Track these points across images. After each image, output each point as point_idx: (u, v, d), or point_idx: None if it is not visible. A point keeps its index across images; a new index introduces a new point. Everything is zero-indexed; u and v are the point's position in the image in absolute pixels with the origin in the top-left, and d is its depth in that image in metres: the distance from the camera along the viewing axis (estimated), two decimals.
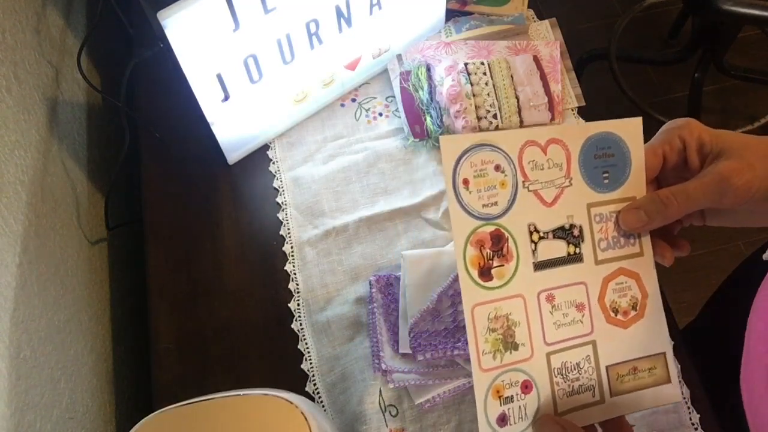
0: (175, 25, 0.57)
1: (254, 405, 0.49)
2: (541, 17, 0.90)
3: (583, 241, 0.49)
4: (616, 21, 1.81)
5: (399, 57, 0.85)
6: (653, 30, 1.90)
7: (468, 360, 0.64)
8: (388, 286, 0.71)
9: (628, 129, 0.50)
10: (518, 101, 0.80)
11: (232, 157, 0.80)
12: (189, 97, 0.66)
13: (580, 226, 0.49)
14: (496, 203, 0.47)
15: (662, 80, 1.82)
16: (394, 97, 0.85)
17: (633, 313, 0.50)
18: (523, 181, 0.48)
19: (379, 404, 0.66)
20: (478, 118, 0.79)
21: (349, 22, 0.73)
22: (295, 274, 0.74)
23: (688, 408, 0.66)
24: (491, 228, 0.47)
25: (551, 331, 0.48)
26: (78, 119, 0.80)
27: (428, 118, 0.80)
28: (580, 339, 0.49)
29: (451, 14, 0.88)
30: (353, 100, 0.85)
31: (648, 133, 0.51)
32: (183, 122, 0.80)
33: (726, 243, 1.60)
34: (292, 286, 0.74)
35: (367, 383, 0.67)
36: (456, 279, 0.63)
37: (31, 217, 0.62)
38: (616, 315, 0.49)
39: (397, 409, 0.66)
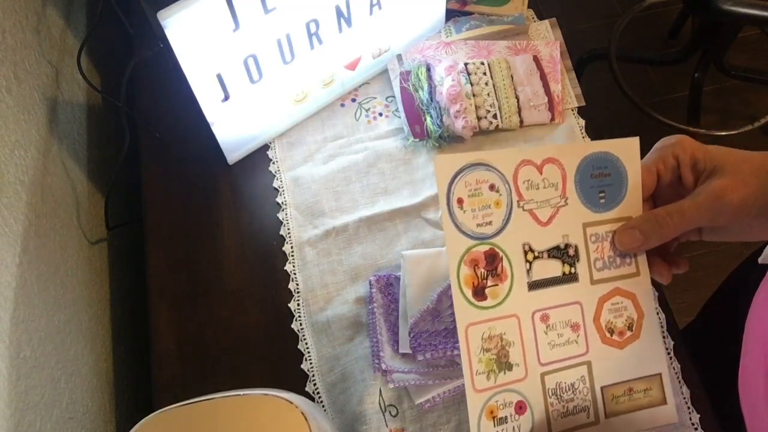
0: (175, 25, 0.57)
1: (254, 405, 0.49)
2: (541, 17, 0.90)
3: (578, 261, 0.49)
4: (616, 21, 1.81)
5: (399, 57, 0.85)
6: (653, 30, 1.90)
7: None
8: (388, 286, 0.71)
9: (625, 148, 0.50)
10: (518, 101, 0.80)
11: (232, 157, 0.80)
12: (189, 97, 0.66)
13: (576, 246, 0.49)
14: (490, 223, 0.47)
15: (662, 80, 1.82)
16: (394, 97, 0.85)
17: (629, 333, 0.50)
18: (518, 201, 0.48)
19: (379, 404, 0.66)
20: (478, 118, 0.79)
21: (349, 22, 0.73)
22: (295, 274, 0.74)
23: (688, 408, 0.66)
24: (485, 247, 0.47)
25: (546, 351, 0.48)
26: (78, 119, 0.80)
27: (428, 118, 0.80)
28: (575, 359, 0.48)
29: (451, 14, 0.88)
30: (353, 100, 0.85)
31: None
32: (183, 122, 0.80)
33: (726, 243, 1.60)
34: (292, 286, 0.74)
35: (367, 383, 0.67)
36: None
37: (31, 217, 0.62)
38: (611, 335, 0.49)
39: (397, 409, 0.66)
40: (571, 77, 0.85)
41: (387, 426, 0.65)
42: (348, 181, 0.79)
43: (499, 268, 0.47)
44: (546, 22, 0.89)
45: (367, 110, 0.84)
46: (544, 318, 0.48)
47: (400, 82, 0.82)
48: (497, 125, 0.80)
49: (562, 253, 0.48)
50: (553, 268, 0.48)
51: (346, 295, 0.72)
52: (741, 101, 1.79)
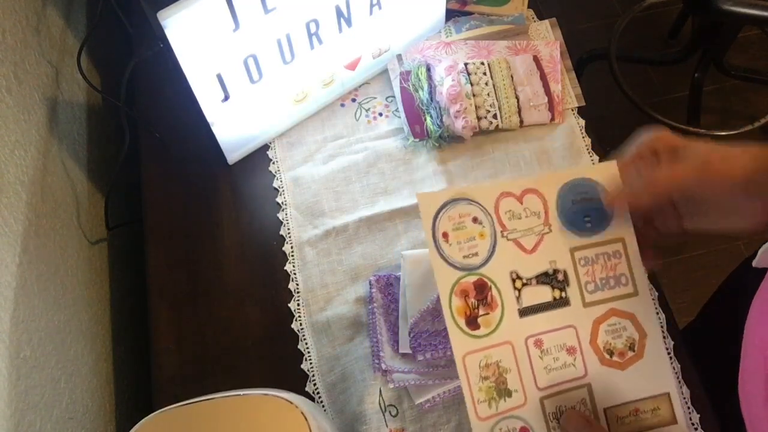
0: (175, 25, 0.57)
1: (254, 405, 0.49)
2: (541, 17, 0.90)
3: (568, 285, 0.49)
4: (616, 21, 1.81)
5: (399, 57, 0.85)
6: (653, 30, 1.90)
7: None
8: (388, 286, 0.71)
9: (604, 173, 0.50)
10: (518, 101, 0.80)
11: (232, 157, 0.80)
12: (189, 97, 0.66)
13: (565, 271, 0.49)
14: (476, 254, 0.48)
15: (662, 80, 1.82)
16: (394, 97, 0.85)
17: (630, 353, 0.50)
18: (502, 231, 0.49)
19: (379, 404, 0.66)
20: (478, 118, 0.79)
21: (349, 22, 0.73)
22: (295, 274, 0.74)
23: (688, 408, 0.66)
24: (474, 278, 0.48)
25: (542, 376, 0.48)
26: (78, 119, 0.80)
27: (428, 118, 0.80)
28: (574, 383, 0.49)
29: (451, 14, 0.88)
30: (353, 100, 0.85)
31: None
32: (183, 122, 0.80)
33: (726, 243, 1.60)
34: (292, 286, 0.74)
35: (367, 383, 0.67)
36: None
37: (31, 217, 0.62)
38: (611, 357, 0.49)
39: (397, 409, 0.66)
40: (571, 77, 0.85)
41: (387, 426, 0.65)
42: (348, 181, 0.79)
43: (489, 297, 0.48)
44: (546, 22, 0.89)
45: (367, 110, 0.84)
46: (538, 343, 0.48)
47: (400, 82, 0.82)
48: (497, 125, 0.80)
49: (550, 278, 0.49)
50: (543, 293, 0.49)
51: (346, 295, 0.72)
52: (741, 101, 1.79)
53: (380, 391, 0.67)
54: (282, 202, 0.78)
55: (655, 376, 0.50)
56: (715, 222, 0.48)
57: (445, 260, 0.48)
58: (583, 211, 0.50)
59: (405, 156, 0.80)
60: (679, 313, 0.72)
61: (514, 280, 0.49)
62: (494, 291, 0.48)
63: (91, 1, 0.89)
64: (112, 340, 0.77)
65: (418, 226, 0.76)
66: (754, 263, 0.54)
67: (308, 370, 0.69)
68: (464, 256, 0.48)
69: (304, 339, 0.71)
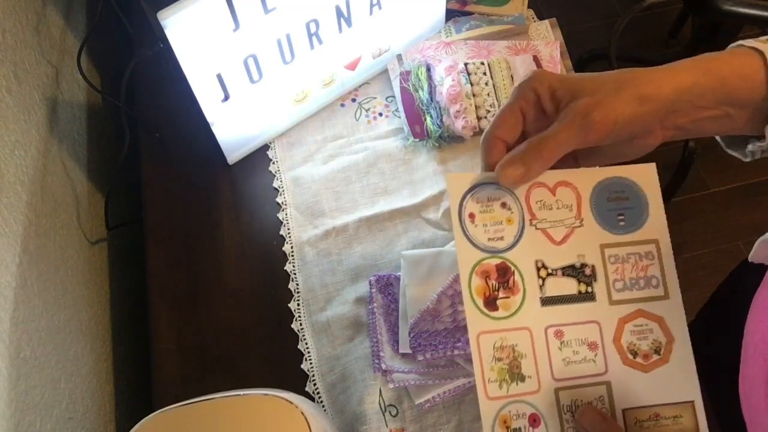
0: (175, 25, 0.57)
1: (254, 405, 0.49)
2: (541, 17, 0.90)
3: (595, 281, 0.49)
4: (616, 21, 1.81)
5: (399, 57, 0.85)
6: (653, 30, 1.90)
7: (468, 360, 0.64)
8: (388, 286, 0.71)
9: (642, 174, 0.50)
10: None
11: (232, 157, 0.80)
12: (189, 97, 0.66)
13: (593, 266, 0.49)
14: (502, 238, 0.48)
15: None
16: (394, 97, 0.85)
17: (655, 357, 0.48)
18: (531, 219, 0.48)
19: (379, 404, 0.66)
20: (478, 118, 0.79)
21: (349, 22, 0.73)
22: (295, 274, 0.74)
23: None
24: (497, 261, 0.47)
25: (560, 367, 0.47)
26: (78, 119, 0.80)
27: (428, 118, 0.80)
28: (593, 378, 0.48)
29: (451, 14, 0.88)
30: (353, 100, 0.85)
31: None
32: (183, 122, 0.80)
33: (726, 243, 1.60)
34: (292, 286, 0.74)
35: (367, 383, 0.67)
36: (456, 279, 0.63)
37: (31, 217, 0.62)
38: (634, 357, 0.48)
39: (397, 409, 0.66)
40: None
41: (387, 426, 0.65)
42: (348, 181, 0.79)
43: (511, 282, 0.47)
44: (546, 22, 0.88)
45: (367, 110, 0.84)
46: (558, 334, 0.48)
47: (400, 82, 0.82)
48: None
49: (577, 272, 0.48)
50: (569, 286, 0.48)
51: (346, 295, 0.72)
52: None
53: (380, 391, 0.67)
54: (282, 202, 0.78)
55: (679, 383, 0.48)
56: (611, 158, 0.49)
57: (469, 240, 0.47)
58: (617, 210, 0.49)
59: (405, 156, 0.80)
60: None
61: (538, 269, 0.48)
62: (517, 276, 0.47)
63: (91, 1, 0.89)
64: (112, 340, 0.77)
65: (418, 226, 0.76)
66: (750, 257, 0.53)
67: (308, 370, 0.69)
68: (489, 239, 0.47)
69: (304, 339, 0.71)
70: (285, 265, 0.75)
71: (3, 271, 0.55)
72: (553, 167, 0.48)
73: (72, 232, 0.72)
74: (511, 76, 0.81)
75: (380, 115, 0.84)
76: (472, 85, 0.80)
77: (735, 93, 0.44)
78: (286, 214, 0.77)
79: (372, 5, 0.74)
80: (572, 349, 0.48)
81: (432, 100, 0.80)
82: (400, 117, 0.82)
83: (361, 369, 0.68)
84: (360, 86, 0.86)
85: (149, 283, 0.74)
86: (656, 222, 0.49)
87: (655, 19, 1.91)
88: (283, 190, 0.79)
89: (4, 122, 0.60)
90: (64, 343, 0.64)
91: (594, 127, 0.44)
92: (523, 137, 0.49)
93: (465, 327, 0.46)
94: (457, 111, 0.78)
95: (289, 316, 0.72)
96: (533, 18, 0.90)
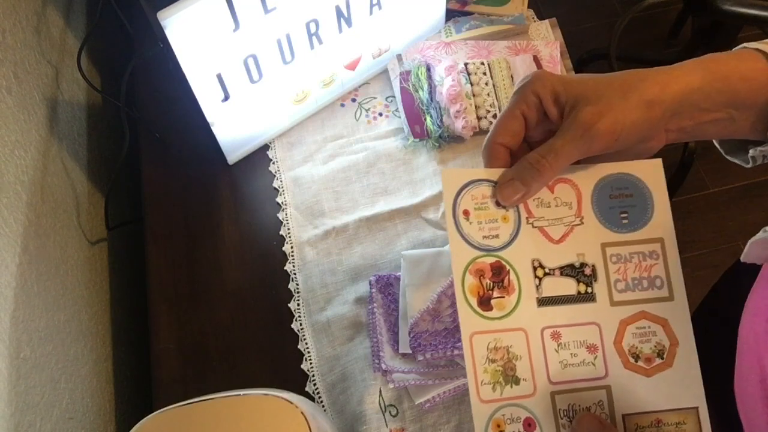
0: (175, 25, 0.57)
1: (254, 405, 0.49)
2: (541, 17, 0.90)
3: (596, 281, 0.47)
4: (616, 21, 1.81)
5: (399, 57, 0.85)
6: (653, 30, 1.90)
7: None
8: (388, 286, 0.71)
9: (647, 170, 0.48)
10: None
11: (232, 157, 0.80)
12: (189, 97, 0.66)
13: (593, 266, 0.47)
14: (497, 236, 0.46)
15: None
16: (394, 97, 0.85)
17: (658, 360, 0.47)
18: (527, 218, 0.47)
19: (379, 404, 0.66)
20: (478, 118, 0.79)
21: (349, 22, 0.73)
22: (295, 274, 0.74)
23: None
24: (491, 259, 0.46)
25: (557, 371, 0.46)
26: (78, 119, 0.80)
27: (428, 118, 0.80)
28: (592, 382, 0.46)
29: (451, 14, 0.88)
30: (353, 100, 0.85)
31: None
32: (183, 122, 0.80)
33: (726, 243, 1.60)
34: (292, 286, 0.74)
35: (367, 383, 0.67)
36: None
37: (31, 217, 0.62)
38: (636, 361, 0.46)
39: (397, 409, 0.66)
40: None
41: (387, 426, 0.65)
42: (348, 181, 0.79)
43: (506, 281, 0.46)
44: (546, 22, 0.88)
45: (367, 110, 0.84)
46: (555, 336, 0.46)
47: (400, 82, 0.82)
48: None
49: (576, 271, 0.47)
50: (567, 286, 0.47)
51: (346, 295, 0.72)
52: None
53: (380, 391, 0.67)
54: (282, 202, 0.78)
55: (683, 388, 0.47)
56: (622, 157, 0.48)
57: (463, 238, 0.46)
58: (620, 207, 0.48)
59: (405, 156, 0.80)
60: None
61: (535, 268, 0.46)
62: (512, 276, 0.46)
63: (91, 1, 0.89)
64: (112, 340, 0.77)
65: (418, 227, 0.76)
66: (742, 257, 0.53)
67: (308, 370, 0.69)
68: (484, 237, 0.46)
69: (304, 339, 0.71)
70: (285, 265, 0.75)
71: (3, 271, 0.55)
72: None
73: (72, 232, 0.72)
74: (511, 76, 0.81)
75: (380, 115, 0.84)
76: (472, 85, 0.80)
77: (739, 95, 0.44)
78: (286, 214, 0.77)
79: (372, 5, 0.74)
80: (570, 352, 0.46)
81: (432, 100, 0.80)
82: (400, 117, 0.82)
83: (361, 369, 0.68)
84: (360, 86, 0.86)
85: (149, 283, 0.74)
86: (662, 220, 0.48)
87: (655, 19, 1.91)
88: (283, 190, 0.79)
89: (4, 122, 0.60)
90: (64, 343, 0.64)
91: (599, 138, 0.43)
92: (526, 141, 0.48)
93: None
94: (457, 111, 0.78)
95: (289, 316, 0.72)
96: (533, 18, 0.90)
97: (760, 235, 0.51)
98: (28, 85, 0.66)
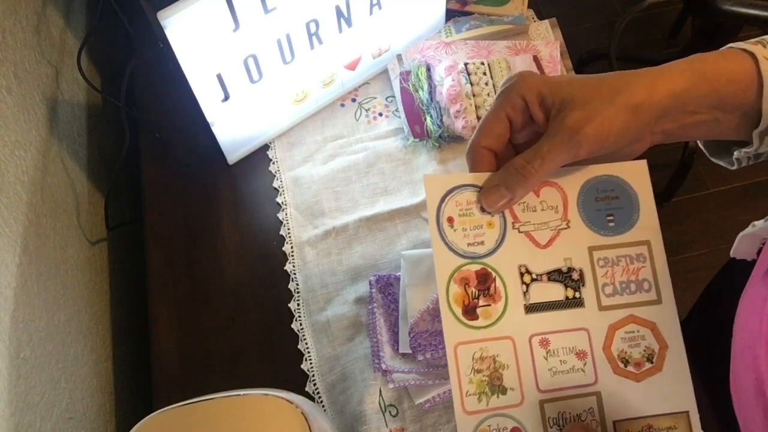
0: (175, 25, 0.57)
1: (254, 405, 0.49)
2: (541, 17, 0.90)
3: (584, 286, 0.46)
4: (616, 21, 1.81)
5: (399, 57, 0.85)
6: (653, 30, 1.90)
7: None
8: (388, 286, 0.71)
9: (632, 172, 0.47)
10: None
11: (232, 157, 0.80)
12: (189, 97, 0.66)
13: (581, 270, 0.46)
14: (482, 242, 0.46)
15: None
16: (394, 97, 0.85)
17: (648, 365, 0.46)
18: (513, 223, 0.46)
19: (379, 404, 0.66)
20: (478, 118, 0.79)
21: (349, 22, 0.73)
22: (295, 274, 0.74)
23: None
24: (477, 267, 0.45)
25: (545, 378, 0.45)
26: (78, 119, 0.80)
27: (428, 118, 0.80)
28: (581, 389, 0.45)
29: (451, 14, 0.88)
30: (353, 100, 0.85)
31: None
32: (183, 122, 0.80)
33: (726, 243, 1.59)
34: (292, 286, 0.74)
35: (367, 383, 0.67)
36: None
37: (31, 217, 0.62)
38: (626, 366, 0.46)
39: (397, 409, 0.66)
40: None
41: (387, 426, 0.65)
42: (348, 181, 0.79)
43: (492, 289, 0.45)
44: (546, 22, 0.88)
45: (367, 110, 0.84)
46: (544, 343, 0.45)
47: (400, 82, 0.82)
48: None
49: (564, 276, 0.46)
50: (555, 291, 0.46)
51: (346, 295, 0.72)
52: None
53: (380, 391, 0.67)
54: (282, 202, 0.78)
55: (674, 392, 0.46)
56: (592, 163, 0.47)
57: (447, 245, 0.45)
58: (606, 210, 0.47)
59: (405, 156, 0.80)
60: (679, 314, 0.72)
61: (522, 274, 0.46)
62: (498, 283, 0.45)
63: (91, 1, 0.89)
64: (112, 340, 0.77)
65: (418, 227, 0.76)
66: (732, 252, 0.52)
67: (308, 370, 0.69)
68: (469, 244, 0.45)
69: (304, 339, 0.71)
70: (285, 265, 0.75)
71: (3, 271, 0.55)
72: None
73: (72, 232, 0.72)
74: None
75: (380, 115, 0.84)
76: (472, 85, 0.80)
77: (725, 97, 0.43)
78: (286, 214, 0.77)
79: (372, 5, 0.74)
80: (559, 359, 0.45)
81: (432, 100, 0.80)
82: (400, 117, 0.82)
83: (361, 369, 0.68)
84: (360, 86, 0.86)
85: (149, 283, 0.74)
86: (648, 222, 0.47)
87: (655, 19, 1.91)
88: (283, 190, 0.79)
89: (4, 122, 0.60)
90: (64, 343, 0.64)
91: (585, 143, 0.42)
92: (511, 143, 0.48)
93: None
94: (457, 111, 0.78)
95: (289, 316, 0.72)
96: (533, 18, 0.90)
97: (749, 229, 0.51)
98: (28, 85, 0.67)
